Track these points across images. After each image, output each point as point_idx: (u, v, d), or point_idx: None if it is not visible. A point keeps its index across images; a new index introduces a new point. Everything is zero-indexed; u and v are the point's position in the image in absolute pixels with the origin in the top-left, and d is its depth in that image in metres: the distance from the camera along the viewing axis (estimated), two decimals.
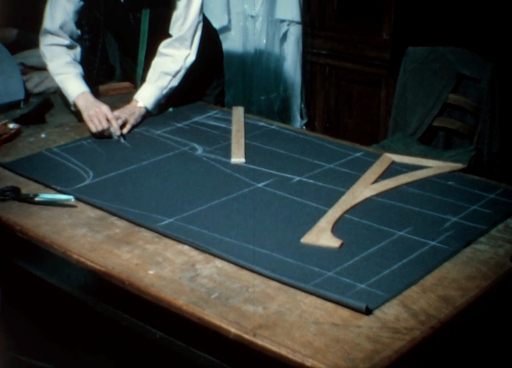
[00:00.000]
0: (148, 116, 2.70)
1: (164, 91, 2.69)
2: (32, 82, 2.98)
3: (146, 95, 2.68)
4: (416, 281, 1.65)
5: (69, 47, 2.75)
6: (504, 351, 1.81)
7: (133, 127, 2.61)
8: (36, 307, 2.32)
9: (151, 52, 2.74)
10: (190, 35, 2.67)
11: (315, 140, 2.50)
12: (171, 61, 2.69)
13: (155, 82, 2.68)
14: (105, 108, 2.57)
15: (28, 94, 2.92)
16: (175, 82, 2.70)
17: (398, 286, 1.62)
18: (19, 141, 2.52)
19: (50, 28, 2.71)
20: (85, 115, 2.56)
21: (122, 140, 2.52)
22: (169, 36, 2.70)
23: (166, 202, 2.05)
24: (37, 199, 2.04)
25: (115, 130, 2.53)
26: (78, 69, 2.72)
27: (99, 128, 2.52)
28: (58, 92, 2.83)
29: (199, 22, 2.68)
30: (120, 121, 2.55)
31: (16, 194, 2.07)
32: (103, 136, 2.53)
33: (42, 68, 3.05)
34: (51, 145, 2.47)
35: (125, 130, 2.56)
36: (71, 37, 2.74)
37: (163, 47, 2.70)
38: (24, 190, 2.09)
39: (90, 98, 2.64)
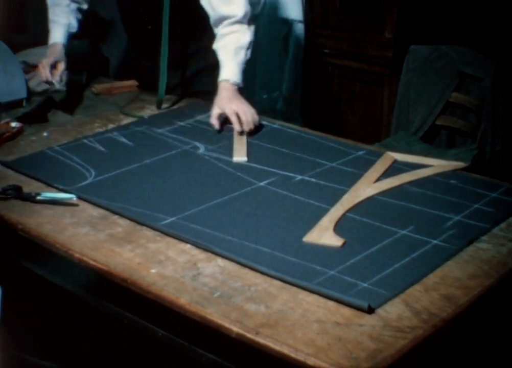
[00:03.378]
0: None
1: (243, 66, 2.60)
2: (34, 80, 2.98)
3: (233, 72, 2.57)
4: (419, 280, 1.64)
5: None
6: (506, 350, 1.81)
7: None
8: (38, 306, 2.33)
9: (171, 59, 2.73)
10: (245, 9, 2.60)
11: (317, 139, 2.50)
12: (238, 35, 2.60)
13: (233, 59, 2.59)
14: (43, 61, 2.75)
15: (30, 93, 2.91)
16: (249, 54, 2.62)
17: (400, 285, 1.62)
18: (21, 140, 2.52)
19: None
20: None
21: (57, 86, 2.73)
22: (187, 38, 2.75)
23: (168, 200, 2.05)
24: (38, 197, 2.04)
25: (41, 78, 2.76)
26: (67, 20, 2.87)
27: (42, 79, 2.76)
28: None
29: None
30: (247, 116, 2.48)
31: (17, 193, 2.07)
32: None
33: None
34: (53, 144, 2.46)
35: (253, 118, 2.49)
36: None
37: (222, 28, 2.63)
38: (26, 189, 2.09)
39: (56, 49, 2.81)
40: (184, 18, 2.74)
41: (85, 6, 2.95)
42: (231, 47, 2.61)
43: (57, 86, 2.75)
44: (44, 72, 2.73)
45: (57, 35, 2.86)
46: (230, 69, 2.59)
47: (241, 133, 2.48)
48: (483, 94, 3.35)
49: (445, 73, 3.46)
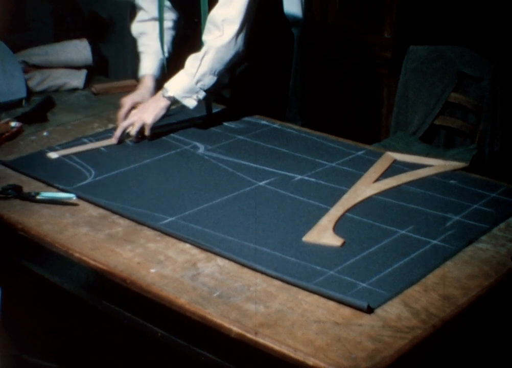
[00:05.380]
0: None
1: (195, 79, 2.46)
2: (34, 80, 2.98)
3: (175, 82, 2.49)
4: (418, 280, 1.65)
5: (156, 19, 2.73)
6: (505, 350, 1.81)
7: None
8: (38, 306, 2.33)
9: None
10: (220, 15, 2.48)
11: (316, 139, 2.50)
12: (205, 46, 2.51)
13: (185, 68, 2.51)
14: (123, 101, 2.57)
15: (30, 92, 2.92)
16: (204, 68, 2.46)
17: (399, 285, 1.62)
18: (20, 140, 2.52)
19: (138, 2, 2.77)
20: None
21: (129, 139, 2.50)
22: None
23: (168, 200, 2.06)
24: (38, 197, 2.04)
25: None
26: (154, 48, 2.71)
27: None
28: None
29: (230, 2, 2.47)
30: (133, 131, 2.45)
31: (17, 193, 2.07)
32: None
33: (44, 67, 3.06)
34: (53, 144, 2.46)
35: (146, 133, 2.46)
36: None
37: (204, 34, 2.54)
38: (26, 189, 2.10)
39: (142, 85, 2.65)
40: None
41: (170, 23, 2.76)
42: (189, 57, 2.52)
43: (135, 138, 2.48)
44: (120, 121, 2.51)
45: (146, 65, 2.70)
46: (174, 81, 2.50)
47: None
48: (482, 94, 3.35)
49: (444, 74, 3.46)
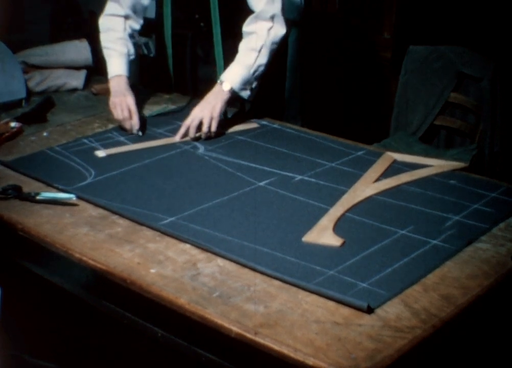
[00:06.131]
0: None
1: (252, 70, 2.49)
2: (34, 80, 2.98)
3: (232, 74, 2.50)
4: (418, 280, 1.65)
5: (127, 17, 2.71)
6: (505, 350, 1.81)
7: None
8: (38, 306, 2.33)
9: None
10: (269, 6, 2.52)
11: (316, 139, 2.50)
12: (255, 37, 2.51)
13: (240, 60, 2.51)
14: (129, 99, 2.56)
15: (29, 93, 2.92)
16: (262, 59, 2.50)
17: (399, 285, 1.62)
18: (20, 140, 2.52)
19: None
20: (110, 101, 2.59)
21: (140, 133, 2.52)
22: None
23: (168, 200, 2.06)
24: (38, 197, 2.04)
25: (134, 124, 2.52)
26: (126, 48, 2.68)
27: (120, 117, 2.54)
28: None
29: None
30: (205, 127, 2.45)
31: (17, 193, 2.07)
32: (125, 128, 2.54)
33: (44, 67, 3.06)
34: (53, 144, 2.47)
35: (213, 129, 2.46)
36: (134, 9, 2.71)
37: (245, 26, 2.55)
38: (25, 189, 2.10)
39: (123, 83, 2.63)
40: (235, 14, 2.61)
41: (137, 27, 2.76)
42: (243, 48, 2.54)
43: (140, 133, 2.54)
44: (134, 119, 2.54)
45: (118, 66, 2.66)
46: (231, 73, 2.52)
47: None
48: (482, 94, 3.35)
49: (444, 74, 3.46)
